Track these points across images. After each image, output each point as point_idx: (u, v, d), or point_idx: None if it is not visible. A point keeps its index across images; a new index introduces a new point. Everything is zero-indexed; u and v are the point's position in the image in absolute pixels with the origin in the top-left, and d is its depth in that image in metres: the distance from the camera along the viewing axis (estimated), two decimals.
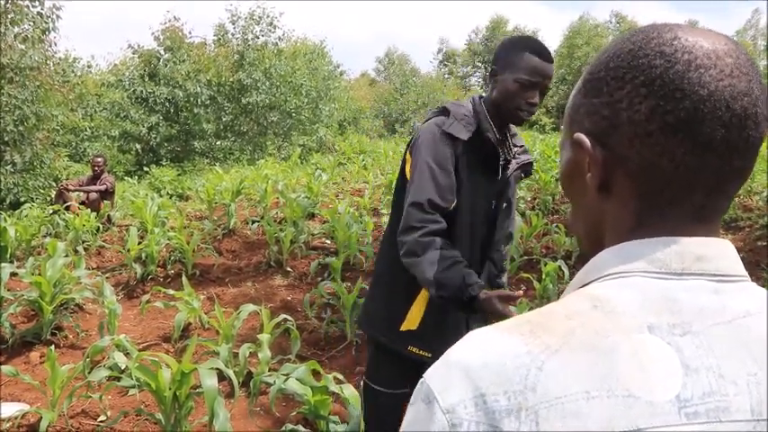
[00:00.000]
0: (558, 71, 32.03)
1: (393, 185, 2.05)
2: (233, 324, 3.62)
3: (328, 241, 6.14)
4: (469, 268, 1.60)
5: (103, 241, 6.41)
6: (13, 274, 4.45)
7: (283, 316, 3.70)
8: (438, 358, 0.51)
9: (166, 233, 5.82)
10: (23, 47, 9.33)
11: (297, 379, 2.48)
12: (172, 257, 5.63)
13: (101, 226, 6.68)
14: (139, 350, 3.51)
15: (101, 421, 2.97)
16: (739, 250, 4.38)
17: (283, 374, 2.59)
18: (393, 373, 1.84)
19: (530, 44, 1.63)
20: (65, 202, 7.18)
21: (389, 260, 1.82)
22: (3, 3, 9.03)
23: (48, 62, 10.19)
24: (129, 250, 5.32)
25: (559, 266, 4.39)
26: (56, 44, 10.94)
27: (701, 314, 0.48)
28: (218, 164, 15.03)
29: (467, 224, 1.73)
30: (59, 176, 10.33)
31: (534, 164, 2.36)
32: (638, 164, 0.52)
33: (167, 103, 15.91)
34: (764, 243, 4.50)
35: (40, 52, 9.56)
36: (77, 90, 11.98)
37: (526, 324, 0.50)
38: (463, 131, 1.67)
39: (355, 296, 4.04)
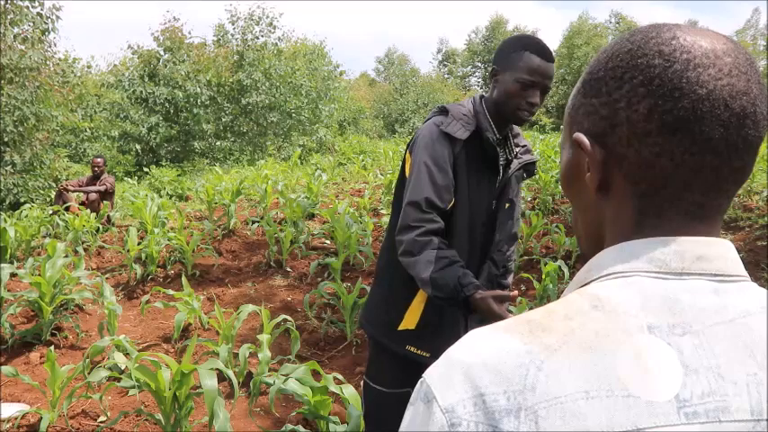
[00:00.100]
0: (558, 71, 32.10)
1: (393, 185, 2.05)
2: (233, 324, 3.62)
3: (328, 241, 6.14)
4: (466, 268, 1.59)
5: (103, 242, 6.41)
6: (13, 275, 4.45)
7: (283, 316, 3.70)
8: (437, 358, 0.51)
9: (166, 233, 5.82)
10: (23, 47, 9.32)
11: (297, 379, 2.48)
12: (172, 258, 5.63)
13: (100, 226, 6.68)
14: (139, 350, 3.51)
15: (101, 422, 2.97)
16: (739, 250, 4.39)
17: (283, 375, 2.59)
18: (393, 372, 1.84)
19: (530, 44, 1.62)
20: (64, 203, 7.18)
21: (389, 259, 1.82)
22: (3, 3, 9.02)
23: (47, 63, 10.17)
24: (128, 251, 5.32)
25: (559, 266, 4.38)
26: (55, 45, 10.97)
27: (701, 314, 0.48)
28: (217, 164, 15.03)
29: (465, 224, 1.72)
30: (59, 177, 10.32)
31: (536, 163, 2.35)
32: (636, 163, 0.52)
33: (167, 104, 15.88)
34: (764, 243, 4.49)
35: (39, 53, 9.54)
36: (77, 91, 11.95)
37: (526, 324, 0.50)
38: (461, 131, 1.67)
39: (355, 296, 4.04)
